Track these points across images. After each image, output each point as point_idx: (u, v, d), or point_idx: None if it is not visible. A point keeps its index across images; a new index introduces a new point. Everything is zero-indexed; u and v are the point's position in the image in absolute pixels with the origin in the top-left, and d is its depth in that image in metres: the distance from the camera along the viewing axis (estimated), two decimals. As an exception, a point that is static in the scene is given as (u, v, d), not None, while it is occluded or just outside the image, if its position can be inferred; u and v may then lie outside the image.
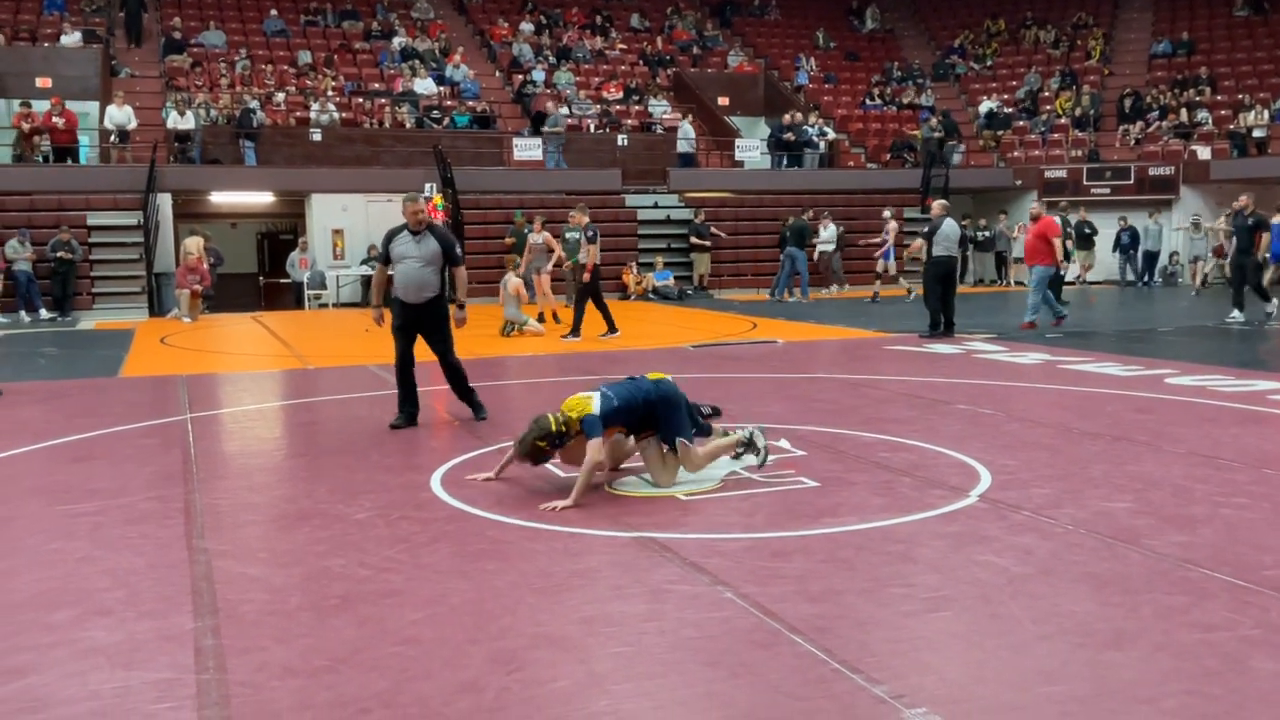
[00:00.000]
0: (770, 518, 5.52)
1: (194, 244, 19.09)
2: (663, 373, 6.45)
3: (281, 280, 23.73)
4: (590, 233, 14.34)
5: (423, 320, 8.15)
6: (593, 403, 5.91)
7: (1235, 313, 15.53)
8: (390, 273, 8.22)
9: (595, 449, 5.77)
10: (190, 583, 4.63)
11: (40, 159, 21.68)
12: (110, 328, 17.57)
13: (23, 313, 19.17)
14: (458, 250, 8.34)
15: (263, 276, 25.67)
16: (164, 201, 21.31)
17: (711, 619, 4.10)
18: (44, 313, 19.30)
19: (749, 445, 6.39)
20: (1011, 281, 25.38)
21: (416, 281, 8.05)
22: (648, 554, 4.94)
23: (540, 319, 16.42)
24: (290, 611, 4.29)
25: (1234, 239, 16.28)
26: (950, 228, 14.12)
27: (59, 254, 19.34)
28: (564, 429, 5.87)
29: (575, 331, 14.44)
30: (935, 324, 14.04)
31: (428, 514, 5.69)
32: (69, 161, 21.95)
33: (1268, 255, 16.35)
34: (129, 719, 3.35)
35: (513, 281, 15.13)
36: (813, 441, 7.37)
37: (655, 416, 6.08)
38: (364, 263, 22.18)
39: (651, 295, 22.65)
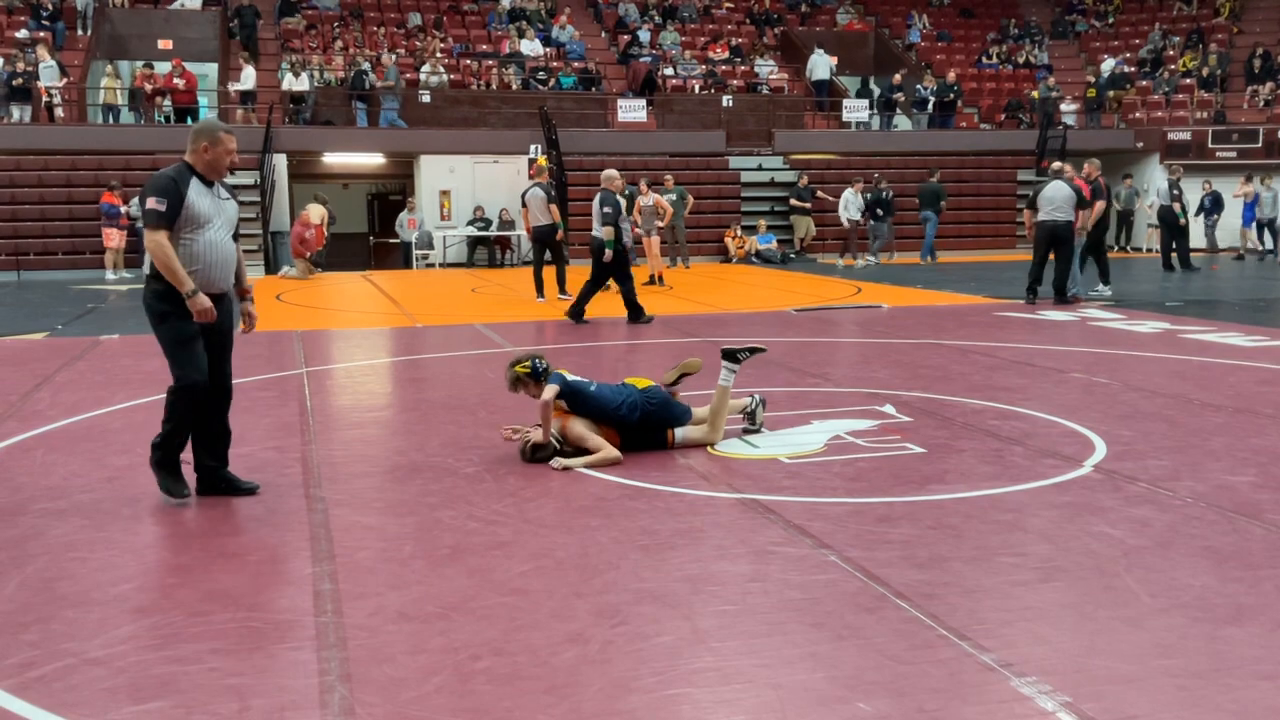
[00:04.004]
0: (875, 483, 5.47)
1: (315, 212, 19.69)
2: (649, 380, 6.43)
3: (390, 240, 24.20)
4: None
5: (225, 319, 5.36)
6: (569, 374, 6.03)
7: (1101, 287, 14.69)
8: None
9: (549, 393, 5.82)
10: (308, 529, 4.79)
11: (162, 119, 22.41)
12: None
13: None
14: None
15: (372, 236, 26.21)
16: (279, 162, 21.85)
17: (816, 581, 4.09)
18: (166, 269, 20.01)
19: (751, 415, 6.55)
20: (1130, 247, 24.58)
21: (227, 257, 5.32)
22: (751, 515, 4.94)
23: (651, 281, 16.56)
24: (404, 560, 4.42)
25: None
26: (1055, 191, 13.51)
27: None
28: (548, 369, 5.95)
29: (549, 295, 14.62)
30: (1030, 289, 13.69)
31: (533, 470, 5.77)
32: (189, 121, 22.62)
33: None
34: (252, 657, 3.49)
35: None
36: (919, 408, 7.27)
37: (657, 420, 6.15)
38: (470, 223, 22.48)
39: (754, 259, 22.52)
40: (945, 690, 3.21)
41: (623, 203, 12.27)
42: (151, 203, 5.14)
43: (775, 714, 3.10)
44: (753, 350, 6.56)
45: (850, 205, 21.38)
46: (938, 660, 3.41)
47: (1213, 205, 23.26)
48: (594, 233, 12.34)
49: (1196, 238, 23.50)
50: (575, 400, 5.95)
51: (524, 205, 14.81)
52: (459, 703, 3.17)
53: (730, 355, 6.39)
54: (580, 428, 5.90)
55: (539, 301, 14.51)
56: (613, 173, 12.64)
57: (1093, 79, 26.58)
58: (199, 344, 5.21)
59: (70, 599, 4.01)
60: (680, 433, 6.24)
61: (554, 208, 14.56)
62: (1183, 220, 19.41)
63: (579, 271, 14.77)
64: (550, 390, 5.84)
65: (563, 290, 14.53)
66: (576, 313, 12.23)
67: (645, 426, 6.11)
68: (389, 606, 3.89)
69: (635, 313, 12.17)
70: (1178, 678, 3.27)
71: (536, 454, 5.89)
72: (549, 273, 14.69)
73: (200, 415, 5.26)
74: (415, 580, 4.17)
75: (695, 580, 4.12)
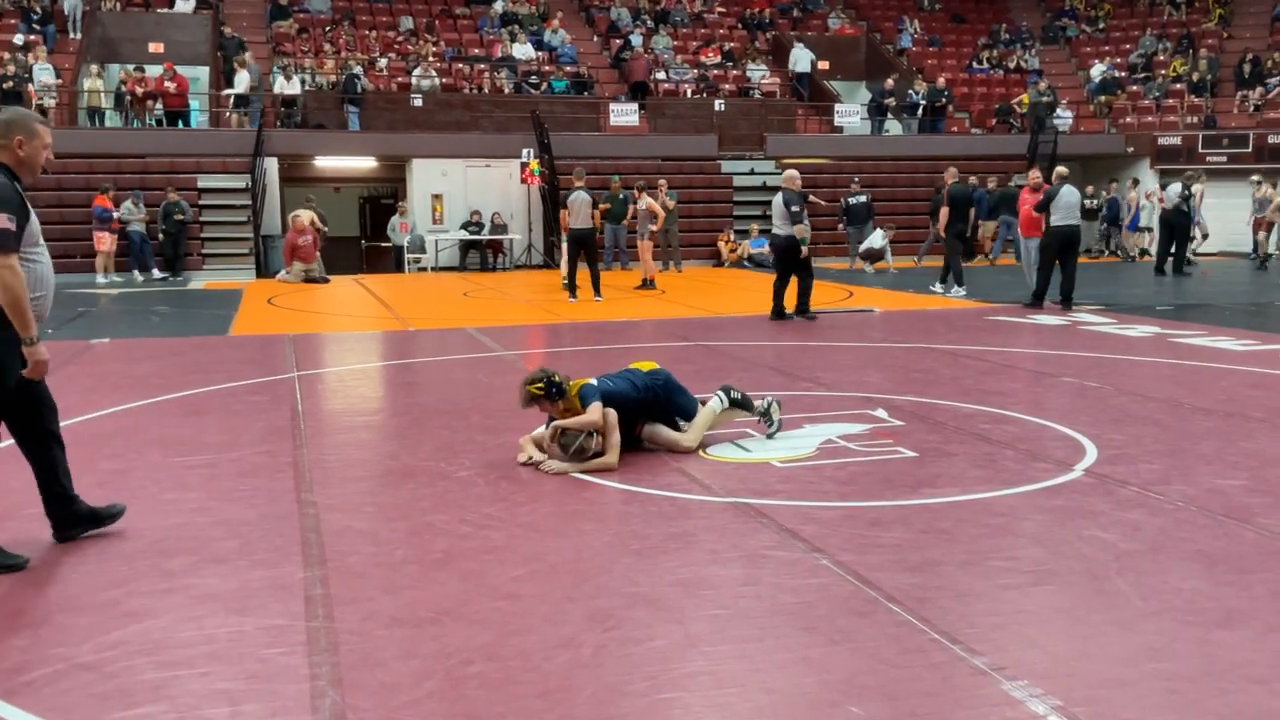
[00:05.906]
0: (866, 487, 5.48)
1: (306, 216, 19.70)
2: (654, 362, 6.47)
3: (382, 244, 24.17)
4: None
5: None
6: (593, 380, 6.05)
7: (956, 288, 15.41)
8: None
9: (595, 410, 5.83)
10: (300, 534, 4.78)
11: (153, 122, 22.35)
12: (219, 288, 18.12)
13: (136, 272, 19.86)
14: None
15: (364, 240, 26.17)
16: (271, 165, 21.81)
17: (808, 585, 4.09)
18: (156, 272, 19.97)
19: (765, 415, 6.53)
20: (1124, 251, 24.64)
21: (53, 281, 4.57)
22: (743, 519, 4.94)
23: (643, 284, 16.66)
24: (396, 564, 4.41)
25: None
26: (1071, 195, 13.68)
27: (173, 217, 19.96)
28: (563, 384, 5.95)
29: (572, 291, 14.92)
30: (1039, 295, 13.71)
31: (526, 474, 5.77)
32: (180, 125, 22.58)
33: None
34: (243, 662, 3.48)
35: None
36: (910, 412, 7.28)
37: (659, 403, 6.19)
38: (463, 227, 22.46)
39: (746, 263, 22.52)
40: (937, 694, 3.22)
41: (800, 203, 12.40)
42: (1, 220, 4.10)
43: (767, 718, 3.10)
44: (744, 402, 6.56)
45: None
46: (930, 664, 3.41)
47: (1110, 212, 24.00)
48: (775, 231, 12.72)
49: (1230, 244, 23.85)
50: (608, 402, 5.95)
51: (564, 207, 15.18)
52: (451, 708, 3.16)
53: (726, 390, 6.53)
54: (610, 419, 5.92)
55: (571, 302, 14.69)
56: (793, 173, 12.99)
57: (1034, 86, 26.59)
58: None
59: (61, 603, 4.00)
60: (649, 428, 6.23)
61: (596, 213, 14.82)
62: (1189, 211, 19.42)
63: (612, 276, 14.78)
64: (595, 409, 5.83)
65: (597, 293, 14.84)
66: (779, 312, 12.67)
67: (654, 405, 6.15)
68: (381, 611, 3.88)
69: (805, 309, 12.67)
70: (1169, 681, 3.28)
71: (564, 438, 5.84)
72: (584, 275, 14.94)
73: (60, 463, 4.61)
74: (407, 585, 4.16)
75: (688, 584, 4.12)
